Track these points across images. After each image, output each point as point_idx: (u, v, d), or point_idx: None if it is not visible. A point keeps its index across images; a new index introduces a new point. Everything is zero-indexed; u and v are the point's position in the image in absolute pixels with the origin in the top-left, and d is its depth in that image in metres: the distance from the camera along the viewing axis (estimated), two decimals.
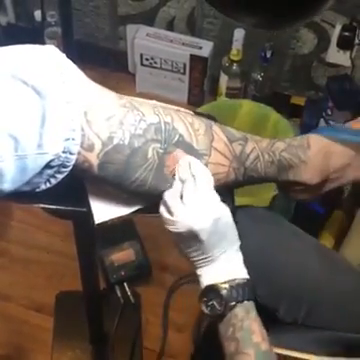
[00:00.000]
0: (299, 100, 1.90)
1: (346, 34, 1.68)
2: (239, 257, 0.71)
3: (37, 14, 1.92)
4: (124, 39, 1.99)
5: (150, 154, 0.64)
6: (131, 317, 1.46)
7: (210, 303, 0.68)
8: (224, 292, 0.67)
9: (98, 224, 0.71)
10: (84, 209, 0.71)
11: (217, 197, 0.68)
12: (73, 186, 0.67)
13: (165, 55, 1.88)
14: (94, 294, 1.23)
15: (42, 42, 1.92)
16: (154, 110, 0.66)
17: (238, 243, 0.71)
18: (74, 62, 0.63)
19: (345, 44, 1.70)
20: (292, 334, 0.81)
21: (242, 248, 0.71)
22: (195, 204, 0.66)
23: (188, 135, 0.67)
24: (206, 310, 0.69)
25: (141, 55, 1.91)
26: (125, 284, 1.50)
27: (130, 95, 0.70)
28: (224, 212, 0.68)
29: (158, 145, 0.65)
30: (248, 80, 1.88)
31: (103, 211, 0.70)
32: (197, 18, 1.87)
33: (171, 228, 0.67)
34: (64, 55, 0.61)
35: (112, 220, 0.71)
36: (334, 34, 1.72)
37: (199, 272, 0.70)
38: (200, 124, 0.70)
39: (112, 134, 0.62)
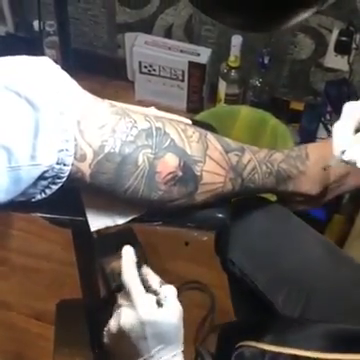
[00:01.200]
0: (298, 105, 1.91)
1: (343, 39, 1.69)
2: None
3: (36, 24, 1.93)
4: (122, 47, 2.00)
5: (140, 160, 0.64)
6: None
7: None
8: None
9: (96, 232, 0.71)
10: (81, 218, 0.72)
11: (151, 299, 0.68)
12: (70, 195, 0.68)
13: (163, 62, 1.88)
14: (95, 302, 1.23)
15: (41, 51, 1.93)
16: (145, 117, 0.66)
17: (180, 348, 0.69)
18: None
19: (343, 49, 1.71)
20: (295, 331, 0.81)
21: (247, 231, 0.68)
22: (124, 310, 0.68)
23: (180, 140, 0.67)
24: None
25: (140, 63, 1.91)
26: None
27: (129, 103, 0.70)
28: (159, 316, 0.67)
29: (149, 150, 0.64)
30: (246, 86, 1.88)
31: (98, 219, 0.71)
32: (195, 25, 1.88)
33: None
34: (58, 66, 0.62)
35: (109, 228, 0.71)
36: (331, 39, 1.73)
37: None
38: (194, 132, 0.70)
39: (103, 143, 0.62)
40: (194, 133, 0.69)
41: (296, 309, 0.86)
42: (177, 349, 0.69)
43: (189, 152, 0.68)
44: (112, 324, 0.69)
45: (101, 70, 2.00)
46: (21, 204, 0.62)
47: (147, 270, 0.73)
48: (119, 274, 1.61)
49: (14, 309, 1.51)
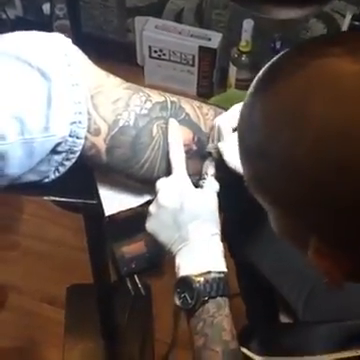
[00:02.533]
0: None
1: (356, 23, 1.66)
2: (219, 246, 0.68)
3: (45, 7, 1.92)
4: (132, 31, 1.98)
5: (155, 131, 0.64)
6: (142, 309, 1.47)
7: (183, 295, 0.67)
8: (197, 286, 0.65)
9: (108, 216, 0.71)
10: (94, 201, 0.72)
11: (186, 176, 0.67)
12: (83, 179, 0.67)
13: (174, 47, 1.87)
14: (105, 287, 1.23)
15: None
16: (160, 92, 0.66)
17: (217, 229, 0.68)
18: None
19: None
20: (304, 334, 0.80)
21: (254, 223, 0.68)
22: (162, 183, 0.66)
23: (195, 116, 0.67)
24: (178, 302, 0.68)
25: (150, 47, 1.90)
26: (136, 276, 1.50)
27: None
28: (196, 194, 0.67)
29: (162, 121, 0.64)
30: (258, 71, 1.86)
31: (113, 203, 0.70)
32: (205, 9, 1.85)
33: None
34: (69, 40, 0.61)
35: (122, 212, 0.71)
36: (344, 24, 1.70)
37: (178, 260, 0.68)
38: (209, 110, 0.69)
39: (118, 116, 0.61)
40: (209, 111, 0.69)
41: (300, 298, 0.86)
42: (215, 229, 0.68)
43: (204, 129, 0.68)
44: (151, 205, 0.68)
45: (111, 55, 1.98)
46: (34, 186, 0.62)
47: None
48: (130, 259, 1.61)
49: (25, 293, 1.52)
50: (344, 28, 1.70)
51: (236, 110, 0.69)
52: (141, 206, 0.72)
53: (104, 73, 0.64)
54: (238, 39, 1.79)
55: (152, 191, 0.70)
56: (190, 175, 0.68)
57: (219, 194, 0.70)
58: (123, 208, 0.70)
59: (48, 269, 1.56)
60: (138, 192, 0.71)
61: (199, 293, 0.65)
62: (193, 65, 1.89)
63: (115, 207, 0.70)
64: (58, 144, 0.58)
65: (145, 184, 0.70)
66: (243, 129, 0.48)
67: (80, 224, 0.99)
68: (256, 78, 0.49)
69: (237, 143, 0.49)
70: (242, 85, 1.87)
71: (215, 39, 1.84)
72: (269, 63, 0.48)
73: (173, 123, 0.66)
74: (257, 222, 0.84)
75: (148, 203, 0.71)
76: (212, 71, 1.90)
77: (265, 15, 0.93)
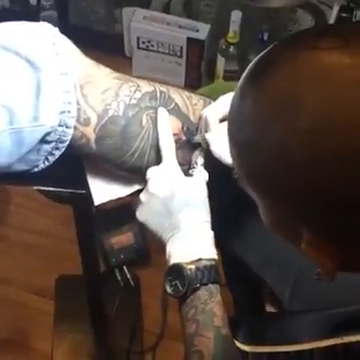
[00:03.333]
0: None
1: (344, 15, 1.67)
2: (210, 233, 0.69)
3: None
4: (120, 22, 1.97)
5: (144, 121, 0.64)
6: (131, 300, 1.47)
7: (174, 283, 0.67)
8: (188, 273, 0.65)
9: (97, 206, 0.71)
10: (83, 191, 0.72)
11: (176, 165, 0.68)
12: (72, 169, 0.67)
13: (162, 38, 1.86)
14: (94, 277, 1.23)
15: None
16: (149, 82, 0.66)
17: (208, 217, 0.69)
18: None
19: None
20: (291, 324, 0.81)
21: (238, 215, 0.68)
22: (153, 172, 0.67)
23: (184, 106, 0.67)
24: (169, 289, 0.67)
25: (138, 38, 1.89)
26: (125, 267, 1.50)
27: None
28: (186, 181, 0.68)
29: (152, 111, 0.65)
30: (245, 62, 1.86)
31: (102, 192, 0.71)
32: (194, 0, 1.85)
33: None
34: (57, 29, 0.61)
35: (111, 202, 0.71)
36: (331, 15, 1.70)
37: (169, 248, 0.68)
38: (199, 100, 0.70)
39: (107, 106, 0.62)
40: (198, 101, 0.69)
41: (286, 288, 0.86)
42: (206, 216, 0.69)
43: (193, 119, 0.68)
44: (142, 194, 0.69)
45: (98, 46, 1.96)
46: (23, 176, 0.62)
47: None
48: (118, 250, 1.61)
49: (14, 285, 1.52)
50: (332, 19, 1.71)
51: (223, 101, 0.69)
52: (130, 195, 0.72)
53: (93, 63, 0.64)
54: (226, 30, 1.79)
55: (141, 181, 0.70)
56: (180, 164, 0.68)
57: (207, 184, 0.71)
58: (112, 197, 0.71)
59: (36, 260, 1.56)
60: (127, 182, 0.71)
61: (190, 280, 0.65)
62: (181, 56, 1.89)
63: (104, 196, 0.70)
64: (47, 134, 0.58)
65: (134, 174, 0.70)
66: (234, 122, 0.48)
67: (68, 215, 0.98)
68: (246, 71, 0.49)
69: (227, 136, 0.49)
70: (230, 76, 1.87)
71: (203, 30, 1.84)
72: (259, 56, 0.48)
73: (162, 112, 0.66)
74: (243, 213, 0.85)
75: (137, 192, 0.71)
76: (200, 62, 1.90)
77: (255, 3, 0.94)
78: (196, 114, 0.68)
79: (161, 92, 0.66)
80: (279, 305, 0.88)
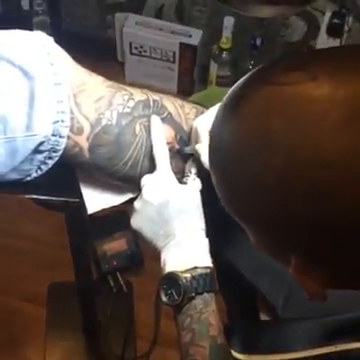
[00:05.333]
0: None
1: (336, 21, 1.67)
2: (204, 241, 0.69)
3: (24, 3, 1.90)
4: (112, 28, 1.97)
5: (138, 130, 0.64)
6: (124, 306, 1.47)
7: (169, 291, 0.66)
8: (183, 282, 0.65)
9: (90, 214, 0.71)
10: (76, 200, 0.71)
11: (170, 172, 0.68)
12: (65, 178, 0.67)
13: (154, 43, 1.86)
14: (86, 284, 1.23)
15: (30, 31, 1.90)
16: (142, 91, 0.66)
17: (203, 225, 0.69)
18: None
19: (335, 31, 1.70)
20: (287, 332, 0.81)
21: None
22: (147, 179, 0.67)
23: (177, 114, 0.67)
24: (164, 298, 0.67)
25: (130, 44, 1.89)
26: (118, 273, 1.50)
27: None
28: (181, 189, 0.67)
29: (145, 119, 0.64)
30: (238, 68, 1.87)
31: (95, 200, 0.70)
32: (186, 6, 1.85)
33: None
34: (51, 39, 0.61)
35: (104, 210, 0.71)
36: (324, 21, 1.71)
37: (163, 256, 0.67)
38: (191, 109, 0.70)
39: (100, 115, 0.62)
40: (191, 110, 0.70)
41: (280, 296, 0.86)
42: (201, 224, 0.68)
43: (185, 128, 0.68)
44: (136, 201, 0.68)
45: (91, 51, 1.96)
46: (16, 184, 0.61)
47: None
48: (111, 257, 1.61)
49: (5, 291, 1.51)
50: (324, 26, 1.72)
51: (213, 112, 0.69)
52: (123, 204, 0.72)
53: (86, 71, 0.64)
54: (219, 36, 1.80)
55: (135, 189, 0.69)
56: (173, 173, 0.68)
57: (201, 192, 0.70)
58: (105, 206, 0.70)
59: (28, 267, 1.55)
60: (120, 190, 0.71)
61: (186, 289, 0.65)
62: (174, 62, 1.89)
63: (97, 205, 0.70)
64: (41, 143, 0.58)
65: (128, 183, 0.70)
66: (213, 149, 0.48)
67: (60, 222, 0.98)
68: (224, 99, 0.48)
69: (208, 158, 0.49)
70: (223, 82, 1.87)
71: (196, 36, 1.84)
72: (232, 88, 0.48)
73: (155, 120, 0.66)
74: (235, 222, 0.85)
75: (130, 201, 0.71)
76: (193, 68, 1.90)
77: (246, 13, 0.94)
78: (189, 123, 0.68)
79: (154, 101, 0.66)
80: (273, 313, 0.88)
